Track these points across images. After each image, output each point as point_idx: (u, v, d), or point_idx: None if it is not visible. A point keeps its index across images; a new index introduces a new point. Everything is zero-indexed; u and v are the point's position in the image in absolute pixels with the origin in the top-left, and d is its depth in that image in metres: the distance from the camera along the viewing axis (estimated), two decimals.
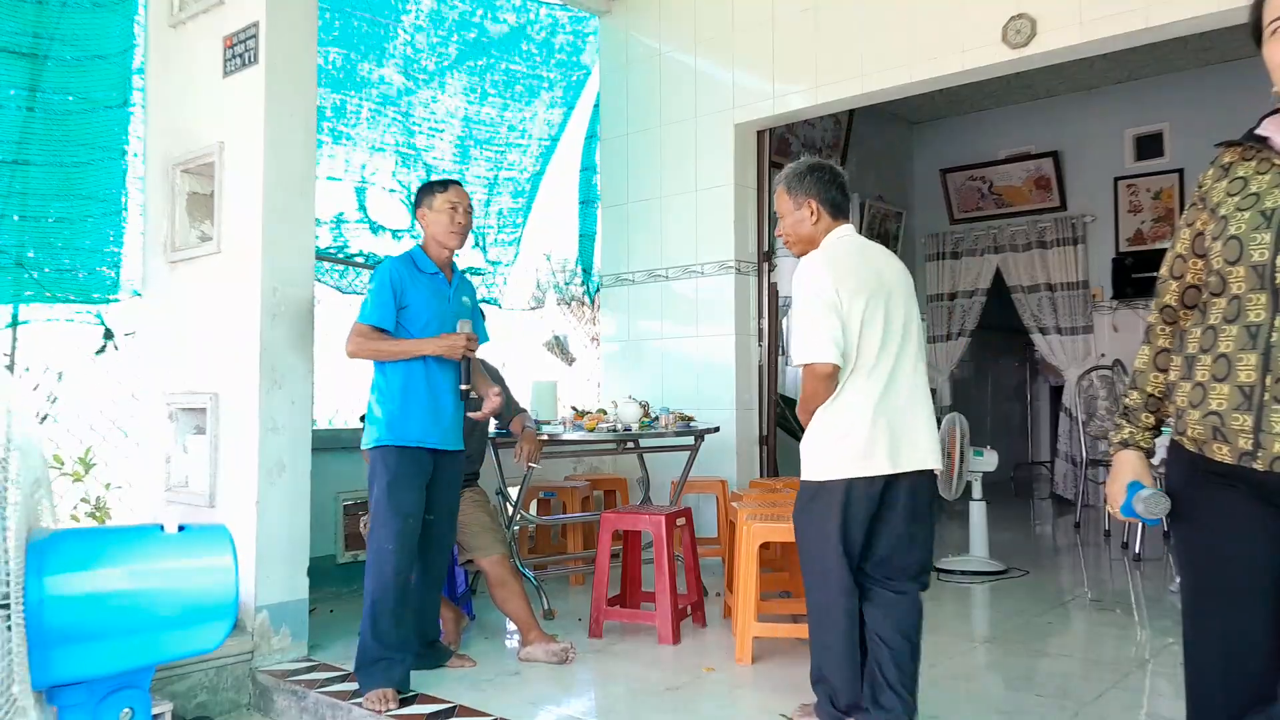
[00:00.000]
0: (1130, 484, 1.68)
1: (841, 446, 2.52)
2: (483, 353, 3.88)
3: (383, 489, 3.02)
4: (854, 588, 2.55)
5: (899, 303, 2.60)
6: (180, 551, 1.97)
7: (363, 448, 3.14)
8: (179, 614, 1.92)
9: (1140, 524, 5.39)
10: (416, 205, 3.25)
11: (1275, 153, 1.54)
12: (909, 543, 2.58)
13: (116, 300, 4.02)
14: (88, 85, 3.92)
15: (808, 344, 2.51)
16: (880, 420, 2.51)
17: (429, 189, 3.23)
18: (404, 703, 2.91)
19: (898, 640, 2.53)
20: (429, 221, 3.19)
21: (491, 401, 3.16)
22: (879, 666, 2.53)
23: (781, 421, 5.94)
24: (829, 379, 2.50)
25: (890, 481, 2.53)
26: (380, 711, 2.84)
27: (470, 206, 3.25)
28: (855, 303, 2.52)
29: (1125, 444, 1.74)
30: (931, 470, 2.61)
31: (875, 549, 2.58)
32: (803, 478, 2.61)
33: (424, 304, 3.10)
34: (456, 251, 3.27)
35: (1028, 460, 9.09)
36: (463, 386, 3.12)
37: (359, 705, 2.89)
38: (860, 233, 2.82)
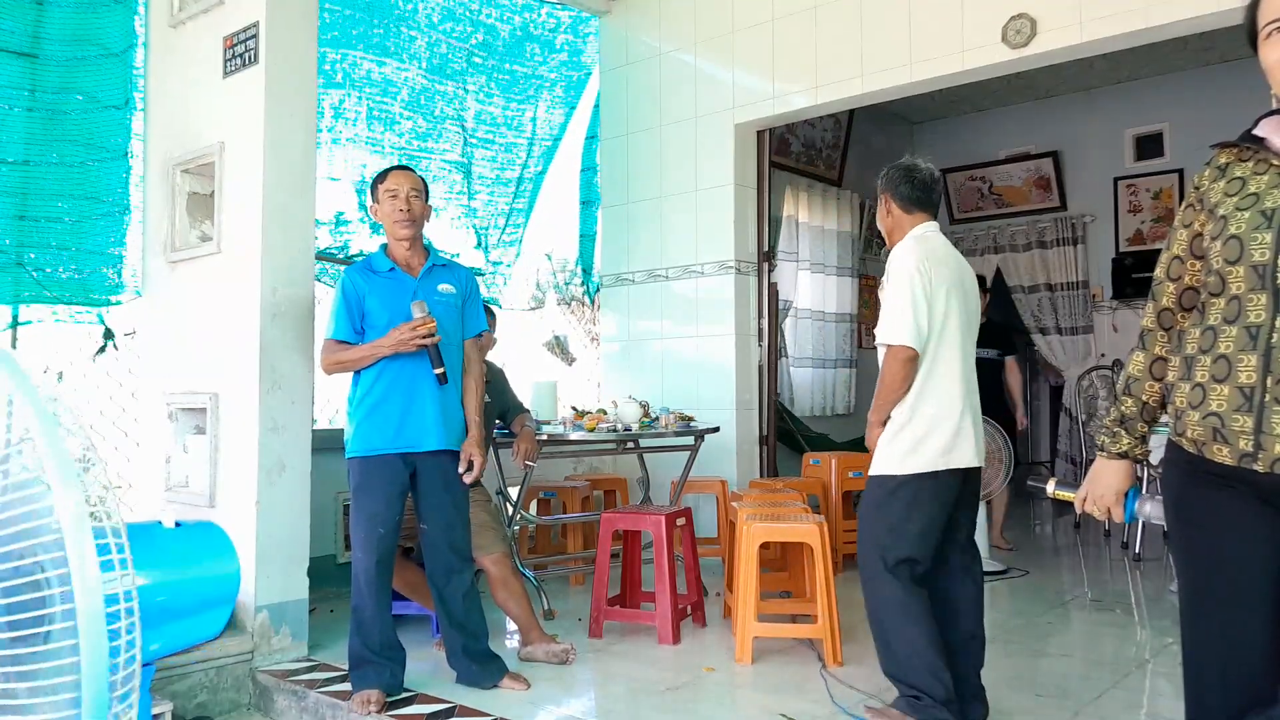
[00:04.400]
0: (1130, 490, 1.77)
1: (932, 438, 2.59)
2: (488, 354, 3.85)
3: (353, 499, 3.01)
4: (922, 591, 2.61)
5: (972, 305, 2.75)
6: (180, 544, 2.00)
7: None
8: (182, 603, 1.95)
9: (1141, 524, 5.40)
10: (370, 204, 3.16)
11: (1273, 153, 1.54)
12: (956, 531, 2.72)
13: (118, 303, 4.02)
14: (89, 84, 3.92)
15: (893, 325, 2.59)
16: (967, 413, 2.63)
17: (373, 183, 3.13)
18: (401, 704, 2.91)
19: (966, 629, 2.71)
20: (379, 216, 3.10)
21: (475, 470, 3.07)
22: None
23: (782, 436, 5.93)
24: (909, 363, 2.58)
25: (968, 474, 2.67)
26: (363, 714, 2.84)
27: (421, 189, 3.10)
28: (940, 292, 2.62)
29: (1124, 455, 1.75)
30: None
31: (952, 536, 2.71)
32: (885, 471, 2.61)
33: (381, 305, 3.00)
34: (426, 240, 3.16)
35: (1028, 460, 9.09)
36: (436, 371, 2.96)
37: None
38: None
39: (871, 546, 2.62)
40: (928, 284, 2.59)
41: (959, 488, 2.64)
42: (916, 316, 2.57)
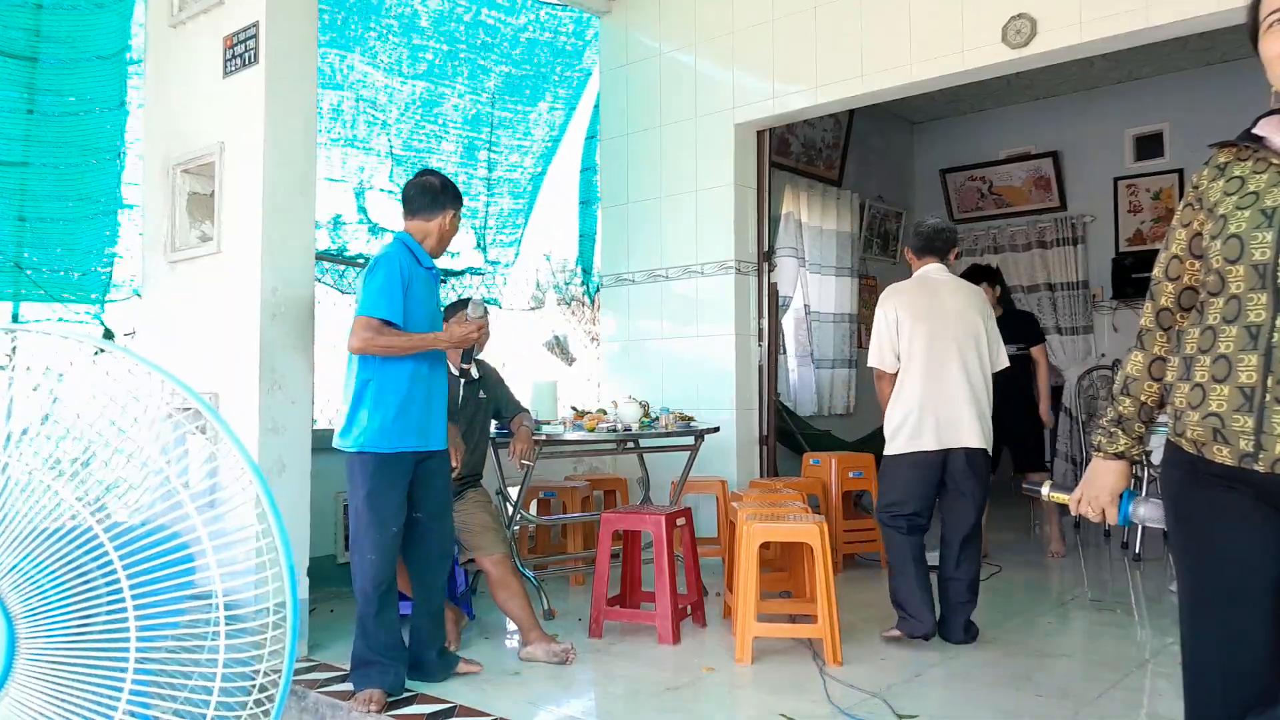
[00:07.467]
0: (1125, 492, 1.75)
1: (899, 431, 3.52)
2: (484, 352, 3.87)
3: (362, 499, 2.93)
4: (911, 538, 3.51)
5: (952, 321, 3.50)
6: None
7: (341, 447, 2.98)
8: None
9: (1140, 524, 5.37)
10: (429, 206, 3.06)
11: (1272, 152, 1.53)
12: (957, 506, 3.53)
13: (113, 301, 4.02)
14: (85, 86, 3.92)
15: (870, 352, 3.65)
16: (930, 410, 3.45)
17: (453, 198, 3.11)
18: (401, 703, 2.91)
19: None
20: (445, 227, 3.08)
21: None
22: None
23: (782, 436, 5.92)
24: (881, 378, 3.63)
25: (946, 456, 3.45)
26: (363, 713, 2.84)
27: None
28: (905, 321, 3.51)
29: (1120, 455, 1.75)
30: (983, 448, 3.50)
31: (946, 512, 3.54)
32: (885, 453, 3.61)
33: (421, 299, 2.97)
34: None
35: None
36: (463, 365, 3.05)
37: None
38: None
39: (880, 504, 3.68)
40: (894, 320, 3.54)
41: (939, 466, 3.46)
42: (881, 346, 3.57)
